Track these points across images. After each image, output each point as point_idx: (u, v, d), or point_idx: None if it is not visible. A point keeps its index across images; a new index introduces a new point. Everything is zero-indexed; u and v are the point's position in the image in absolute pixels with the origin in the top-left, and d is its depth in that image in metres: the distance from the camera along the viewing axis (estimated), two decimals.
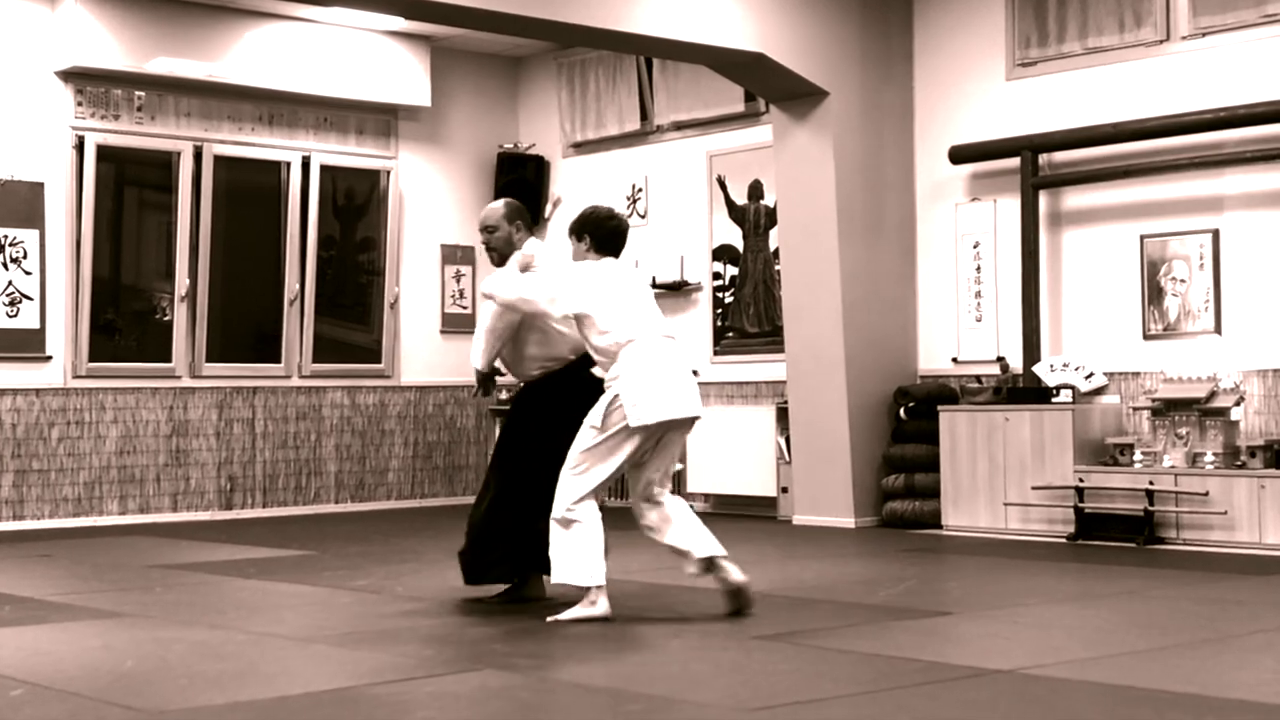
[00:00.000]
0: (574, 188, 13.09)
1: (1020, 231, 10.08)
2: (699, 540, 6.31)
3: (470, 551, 6.78)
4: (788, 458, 10.84)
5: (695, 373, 7.19)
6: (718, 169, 11.96)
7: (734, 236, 11.83)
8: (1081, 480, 9.30)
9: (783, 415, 11.01)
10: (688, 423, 6.37)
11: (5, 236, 10.96)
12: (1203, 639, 5.75)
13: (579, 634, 5.96)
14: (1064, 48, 10.06)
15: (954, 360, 10.60)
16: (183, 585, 7.65)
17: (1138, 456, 9.24)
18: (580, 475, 6.23)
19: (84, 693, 4.82)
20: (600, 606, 6.19)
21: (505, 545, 6.70)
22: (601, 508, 6.28)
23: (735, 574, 6.31)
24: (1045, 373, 9.77)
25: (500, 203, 7.02)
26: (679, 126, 12.29)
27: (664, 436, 6.32)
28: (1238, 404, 8.99)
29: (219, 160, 11.86)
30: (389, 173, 12.80)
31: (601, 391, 6.29)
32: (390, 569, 8.19)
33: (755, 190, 11.66)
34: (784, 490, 11.02)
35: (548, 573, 6.44)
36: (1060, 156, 10.08)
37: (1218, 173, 9.37)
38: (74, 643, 5.88)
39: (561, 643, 5.80)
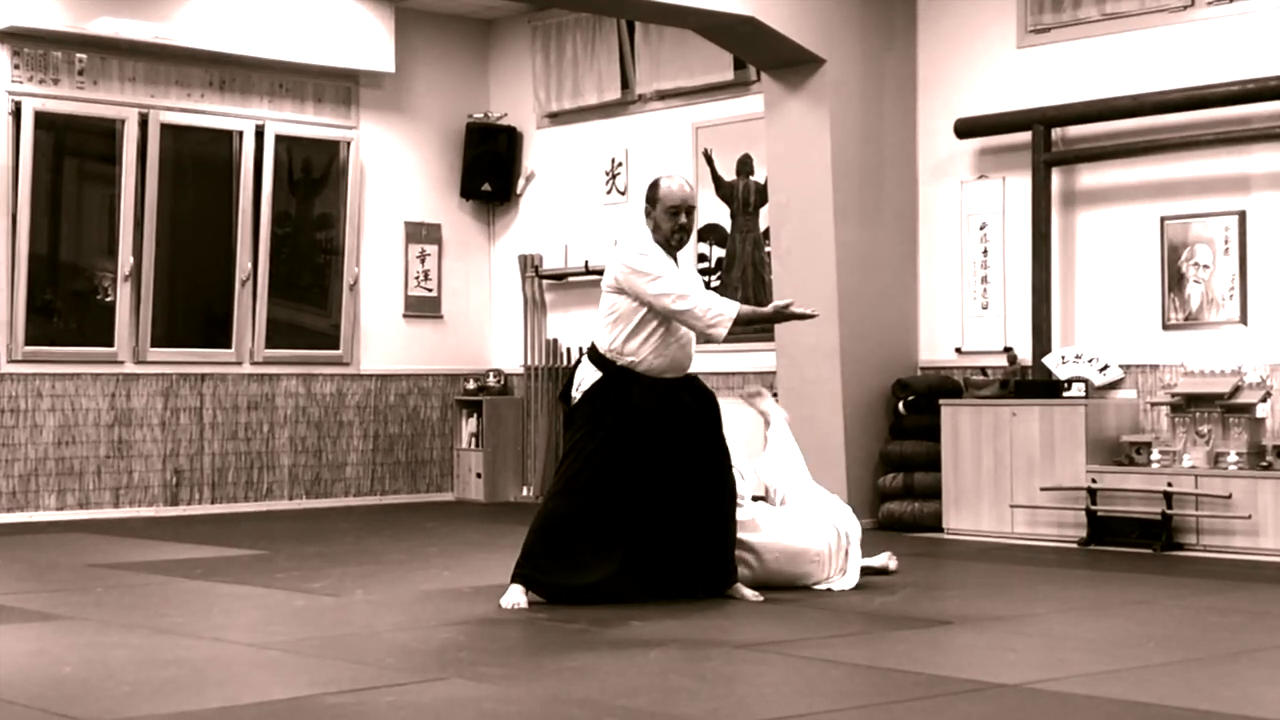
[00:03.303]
0: (549, 161, 13.09)
1: (1031, 212, 10.09)
2: None
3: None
4: None
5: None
6: (704, 142, 11.96)
7: (721, 215, 11.83)
8: (1094, 481, 9.32)
9: None
10: None
11: None
12: (1224, 652, 5.77)
13: (552, 642, 5.96)
14: (1080, 13, 10.07)
15: (957, 351, 10.61)
16: (125, 586, 7.63)
17: (1155, 456, 9.26)
18: None
19: (18, 701, 4.81)
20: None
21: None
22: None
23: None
24: (1056, 365, 9.78)
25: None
26: (662, 96, 12.28)
27: None
28: (1264, 400, 9.00)
29: (166, 129, 11.82)
30: (349, 144, 12.77)
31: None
32: (348, 570, 8.18)
33: (744, 165, 11.66)
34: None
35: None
36: (1075, 131, 10.09)
37: (1245, 150, 9.38)
38: (7, 647, 5.87)
39: (533, 651, 5.81)
